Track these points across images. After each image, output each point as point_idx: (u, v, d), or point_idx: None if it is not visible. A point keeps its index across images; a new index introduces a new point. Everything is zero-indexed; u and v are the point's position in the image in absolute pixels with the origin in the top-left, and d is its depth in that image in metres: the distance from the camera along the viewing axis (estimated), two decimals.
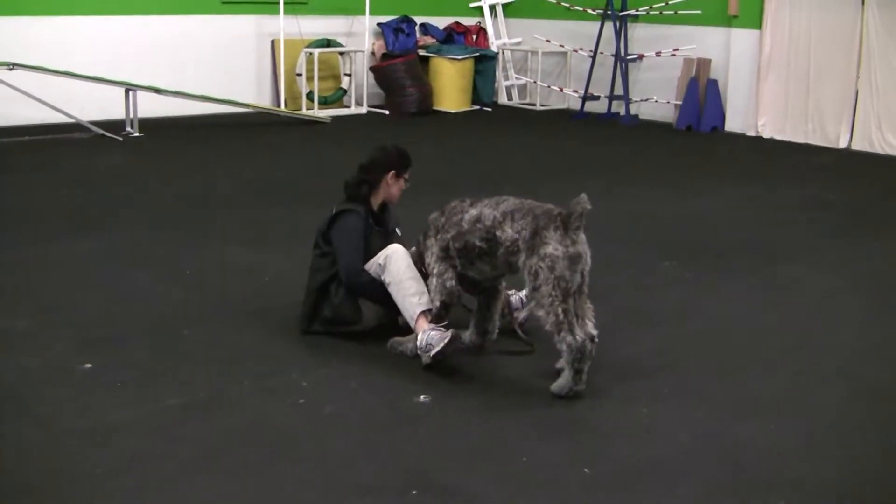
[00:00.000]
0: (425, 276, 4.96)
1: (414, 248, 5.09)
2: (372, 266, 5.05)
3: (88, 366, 4.71)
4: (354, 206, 5.19)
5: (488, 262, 4.75)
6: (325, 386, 4.58)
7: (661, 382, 4.72)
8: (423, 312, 4.85)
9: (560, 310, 4.45)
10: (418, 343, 4.74)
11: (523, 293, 5.28)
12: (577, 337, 4.45)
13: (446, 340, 4.65)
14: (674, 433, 4.20)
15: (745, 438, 4.18)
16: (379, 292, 5.02)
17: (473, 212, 4.75)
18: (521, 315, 5.29)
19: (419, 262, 5.01)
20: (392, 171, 5.24)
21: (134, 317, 5.40)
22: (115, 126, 11.17)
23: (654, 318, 5.65)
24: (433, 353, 4.66)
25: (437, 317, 4.83)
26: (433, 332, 4.72)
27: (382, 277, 4.97)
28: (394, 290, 4.93)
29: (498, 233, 4.62)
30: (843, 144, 11.75)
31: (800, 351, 5.22)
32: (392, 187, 5.27)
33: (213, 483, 3.70)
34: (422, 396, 4.47)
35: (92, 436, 4.03)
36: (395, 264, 4.94)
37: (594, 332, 4.55)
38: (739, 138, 12.49)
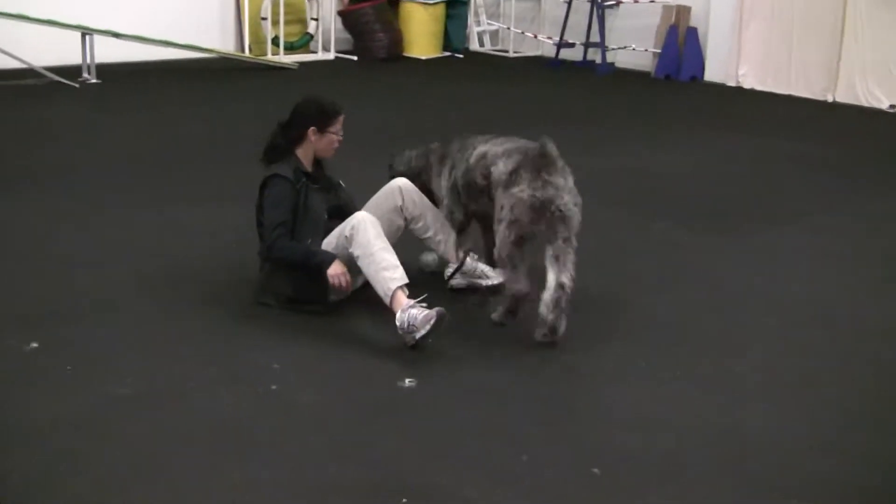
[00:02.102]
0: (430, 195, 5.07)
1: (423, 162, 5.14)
2: (338, 239, 4.62)
3: (34, 346, 4.25)
4: (279, 170, 4.75)
5: (487, 202, 4.72)
6: (297, 370, 4.17)
7: (658, 358, 4.39)
8: (400, 287, 4.39)
9: (505, 253, 4.45)
10: (398, 323, 4.30)
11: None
12: (517, 286, 4.47)
13: (432, 322, 4.22)
14: (672, 418, 3.87)
15: (749, 425, 3.85)
16: (301, 263, 4.60)
17: (482, 148, 4.76)
18: (455, 281, 5.07)
19: (425, 188, 5.07)
20: (312, 128, 4.79)
21: (85, 290, 4.94)
22: (71, 72, 10.63)
23: (646, 284, 5.32)
24: (418, 336, 4.24)
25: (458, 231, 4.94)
26: (414, 311, 4.27)
27: (350, 250, 4.53)
28: (364, 264, 4.48)
29: (493, 168, 4.61)
30: (827, 97, 11.45)
31: (808, 326, 4.88)
32: (319, 143, 4.82)
33: (171, 486, 3.30)
34: (406, 380, 4.08)
35: (32, 433, 3.59)
36: (362, 235, 4.48)
37: (566, 280, 4.38)
38: (719, 88, 12.20)
